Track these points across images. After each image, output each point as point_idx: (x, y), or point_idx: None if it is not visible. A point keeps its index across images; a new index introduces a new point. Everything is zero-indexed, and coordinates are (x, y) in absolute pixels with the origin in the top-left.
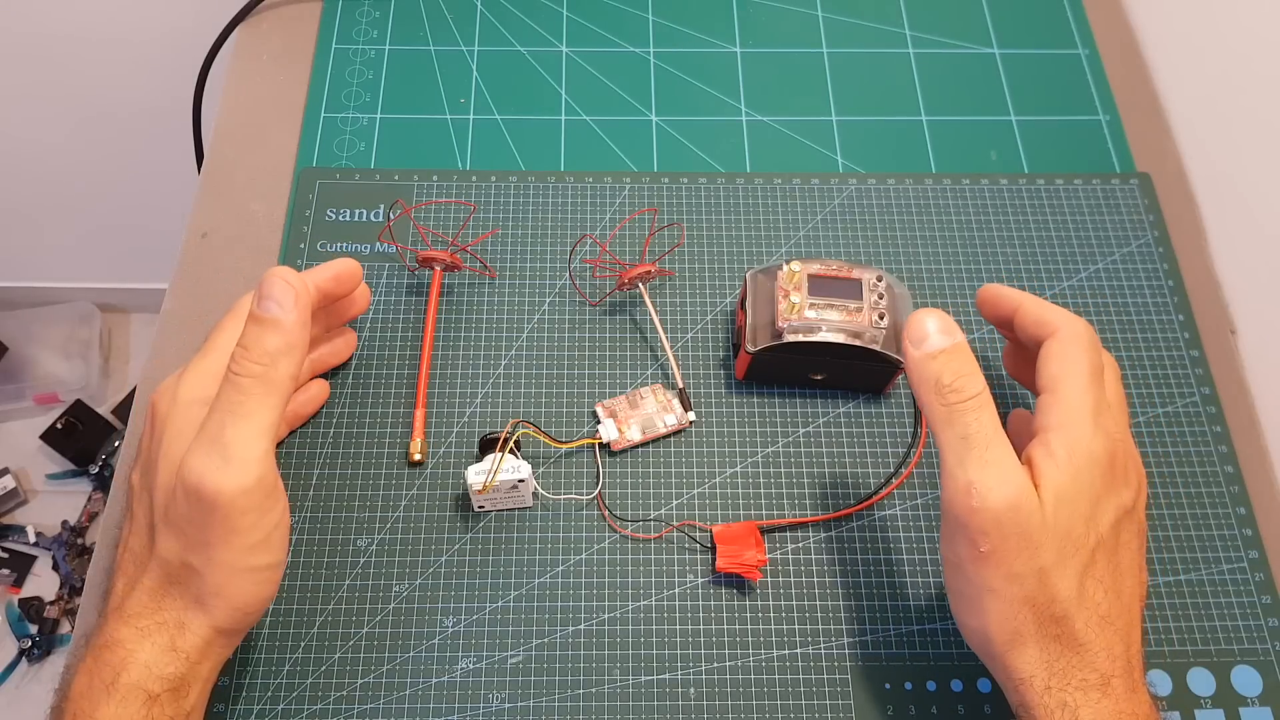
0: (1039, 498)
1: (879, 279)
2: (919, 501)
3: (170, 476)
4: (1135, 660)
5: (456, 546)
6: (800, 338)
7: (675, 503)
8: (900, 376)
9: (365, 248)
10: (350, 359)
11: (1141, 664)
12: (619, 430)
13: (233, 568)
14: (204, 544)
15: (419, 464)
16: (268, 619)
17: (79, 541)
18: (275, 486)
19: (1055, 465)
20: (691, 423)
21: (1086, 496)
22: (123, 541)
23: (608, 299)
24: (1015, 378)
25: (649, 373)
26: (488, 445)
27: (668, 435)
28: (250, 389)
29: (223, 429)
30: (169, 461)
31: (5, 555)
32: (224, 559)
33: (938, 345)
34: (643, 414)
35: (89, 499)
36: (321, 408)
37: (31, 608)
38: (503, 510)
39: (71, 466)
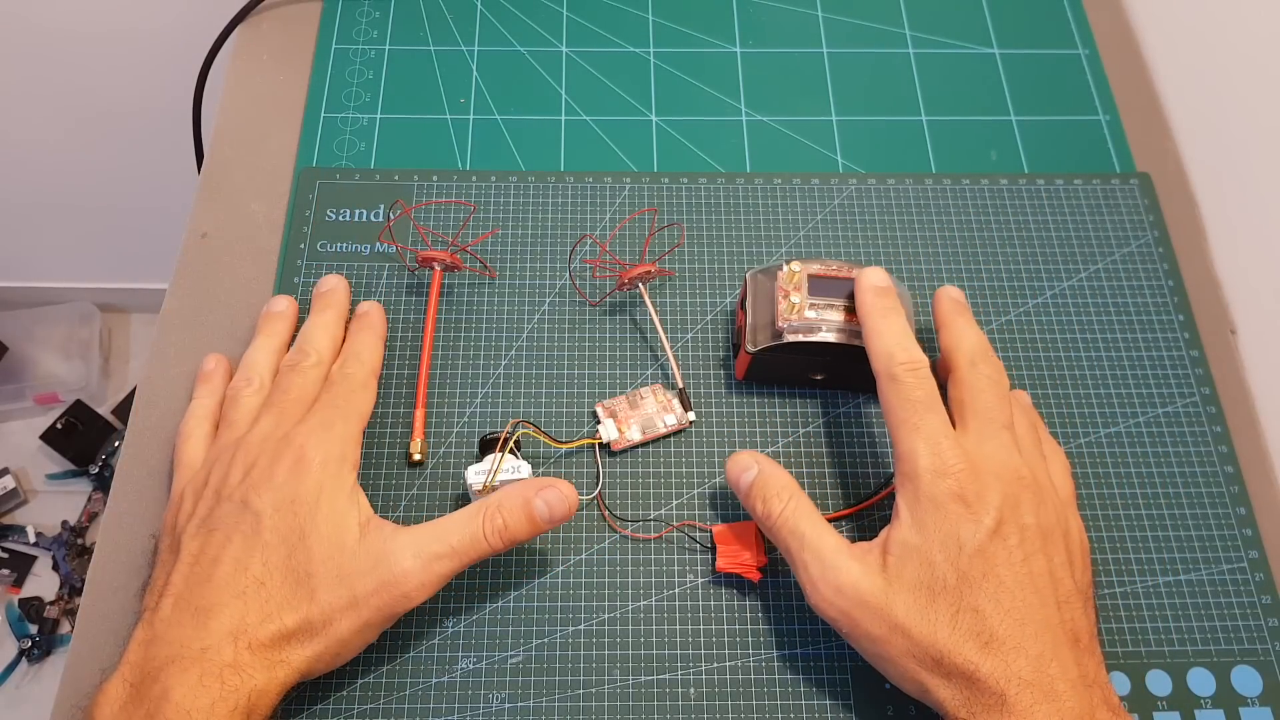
0: (883, 559)
1: None
2: None
3: (337, 533)
4: (1051, 669)
5: None
6: (800, 338)
7: (675, 503)
8: None
9: (365, 248)
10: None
11: (1068, 669)
12: (619, 430)
13: (366, 639)
14: (373, 619)
15: (419, 464)
16: None
17: (79, 541)
18: None
19: (899, 523)
20: (691, 423)
21: (935, 541)
22: (231, 559)
23: (608, 299)
24: None
25: (649, 373)
26: (488, 445)
27: (668, 435)
28: (487, 551)
29: (447, 561)
30: (335, 515)
31: (5, 555)
32: (370, 636)
33: (747, 481)
34: (643, 414)
35: (89, 499)
36: None
37: (31, 608)
38: None
39: (71, 466)
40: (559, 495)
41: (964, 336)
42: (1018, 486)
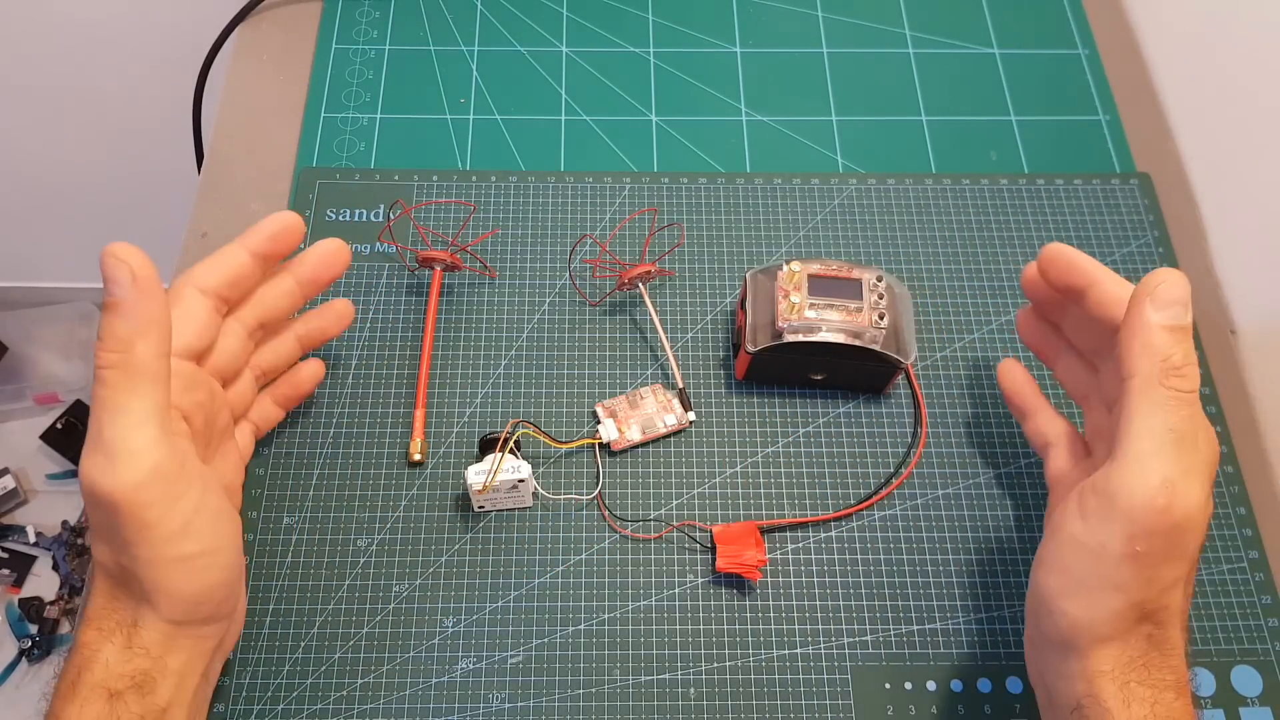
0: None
1: (879, 279)
2: (919, 501)
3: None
4: None
5: (456, 546)
6: (800, 338)
7: (675, 503)
8: (900, 376)
9: (365, 248)
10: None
11: None
12: (619, 430)
13: (158, 561)
14: (124, 544)
15: (419, 464)
16: (267, 619)
17: (79, 541)
18: (179, 472)
19: (1180, 477)
20: (691, 423)
21: (1206, 504)
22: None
23: (608, 299)
24: (1034, 347)
25: (649, 373)
26: (488, 445)
27: (668, 435)
28: (114, 380)
29: (100, 428)
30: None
31: (5, 555)
32: (146, 555)
33: (1181, 319)
34: (643, 414)
35: None
36: (318, 387)
37: (31, 608)
38: (503, 510)
39: (71, 466)
40: (105, 262)
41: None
42: None
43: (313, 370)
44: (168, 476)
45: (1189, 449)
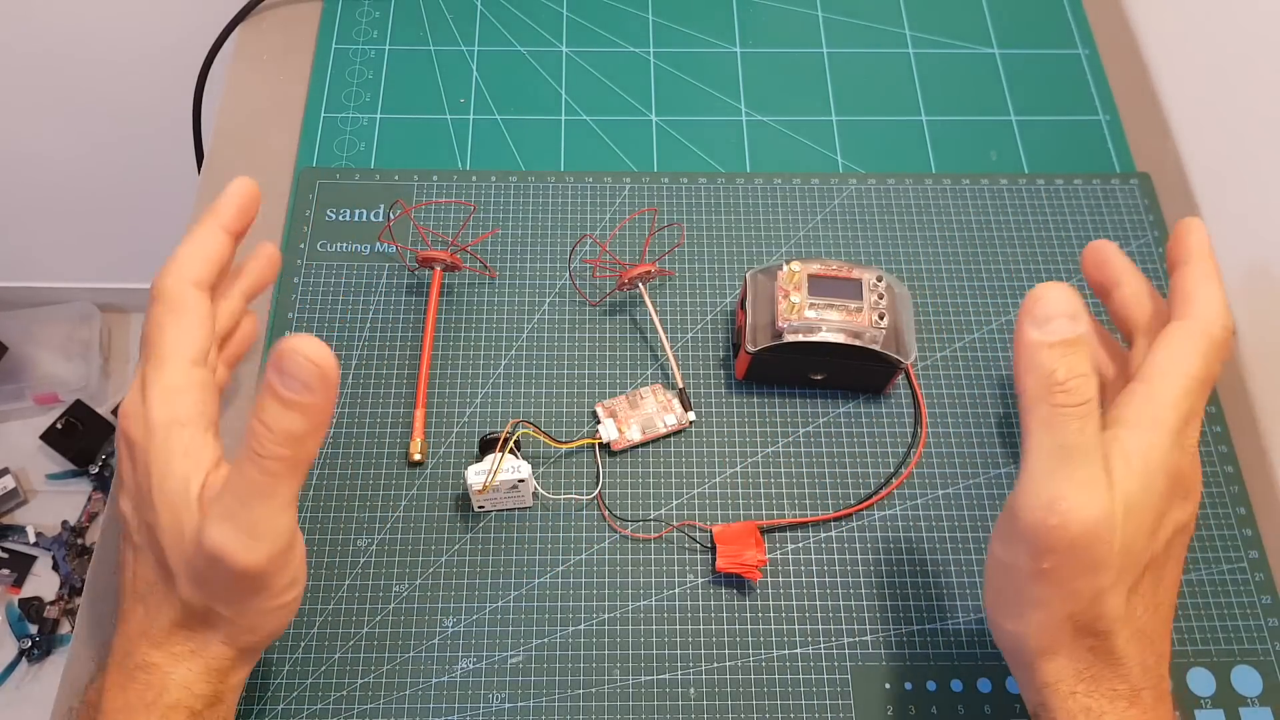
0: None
1: (879, 279)
2: (919, 501)
3: (174, 519)
4: (1166, 672)
5: (456, 546)
6: (800, 338)
7: (675, 503)
8: (900, 376)
9: (365, 248)
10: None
11: (1167, 675)
12: (619, 430)
13: (262, 611)
14: (233, 599)
15: (419, 464)
16: None
17: (79, 541)
18: (299, 538)
19: (1128, 469)
20: (691, 423)
21: (1152, 510)
22: (127, 566)
23: (608, 299)
24: None
25: (649, 373)
26: (488, 445)
27: (668, 435)
28: (275, 471)
29: (247, 507)
30: (166, 499)
31: (5, 555)
32: (254, 607)
33: (1062, 333)
34: (643, 414)
35: (89, 499)
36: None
37: (31, 608)
38: (503, 510)
39: (71, 466)
40: (293, 360)
41: (1219, 299)
42: (1199, 489)
43: (253, 324)
44: (292, 546)
45: (1083, 461)
